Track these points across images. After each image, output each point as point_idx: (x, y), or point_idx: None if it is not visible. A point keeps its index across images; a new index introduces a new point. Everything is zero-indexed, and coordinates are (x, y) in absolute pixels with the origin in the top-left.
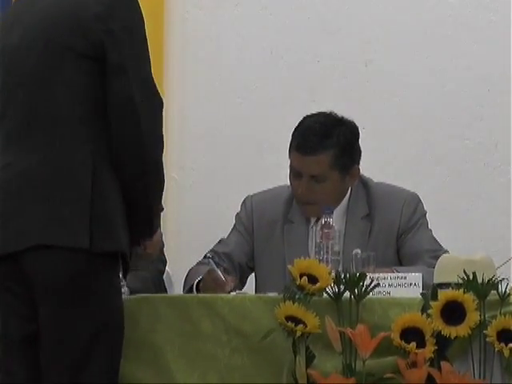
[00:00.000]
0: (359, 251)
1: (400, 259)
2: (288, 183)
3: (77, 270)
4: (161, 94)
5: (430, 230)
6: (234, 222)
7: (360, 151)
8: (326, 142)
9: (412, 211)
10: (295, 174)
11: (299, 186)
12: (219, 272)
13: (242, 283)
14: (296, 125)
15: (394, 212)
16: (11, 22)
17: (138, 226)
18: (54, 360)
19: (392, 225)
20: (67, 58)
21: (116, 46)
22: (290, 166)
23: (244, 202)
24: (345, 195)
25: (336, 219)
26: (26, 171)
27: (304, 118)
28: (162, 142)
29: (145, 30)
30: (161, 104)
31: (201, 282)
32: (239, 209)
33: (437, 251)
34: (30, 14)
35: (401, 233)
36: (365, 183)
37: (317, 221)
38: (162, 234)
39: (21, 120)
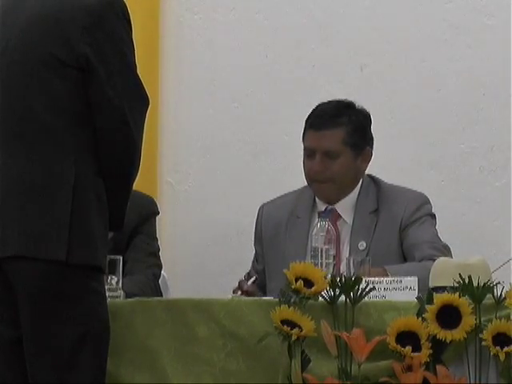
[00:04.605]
0: (364, 244)
1: (403, 252)
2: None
3: (51, 280)
4: (148, 94)
5: (436, 230)
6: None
7: (372, 137)
8: (339, 119)
9: (417, 207)
10: (309, 153)
11: (313, 165)
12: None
13: None
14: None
15: (399, 206)
16: (5, 21)
17: (115, 219)
18: (38, 365)
19: (396, 218)
20: (51, 67)
21: (101, 57)
22: (304, 149)
23: (257, 214)
24: (357, 182)
25: (344, 212)
26: (10, 178)
27: (317, 105)
28: (140, 152)
29: (131, 35)
30: (148, 106)
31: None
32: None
33: (436, 243)
34: (15, 20)
35: (403, 226)
36: (376, 181)
37: (319, 215)
38: None
39: (5, 126)
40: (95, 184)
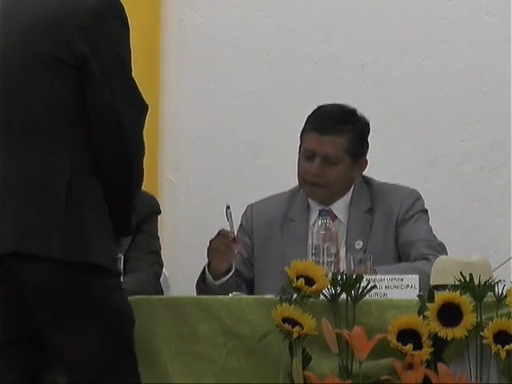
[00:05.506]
0: (361, 243)
1: (398, 249)
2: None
3: (60, 279)
4: (148, 92)
5: (430, 226)
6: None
7: (369, 146)
8: (344, 126)
9: (411, 204)
10: (308, 156)
11: (311, 167)
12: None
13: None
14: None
15: (394, 204)
16: (4, 21)
17: (119, 223)
18: (73, 366)
19: (391, 215)
20: (51, 67)
21: (99, 57)
22: (303, 149)
23: (245, 211)
24: (350, 188)
25: (340, 213)
26: (7, 176)
27: (320, 106)
28: (144, 150)
29: (129, 38)
30: (146, 111)
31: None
32: (239, 221)
33: (431, 241)
34: (15, 21)
35: (399, 223)
36: (367, 181)
37: (320, 213)
38: None
39: (4, 124)
40: (91, 183)
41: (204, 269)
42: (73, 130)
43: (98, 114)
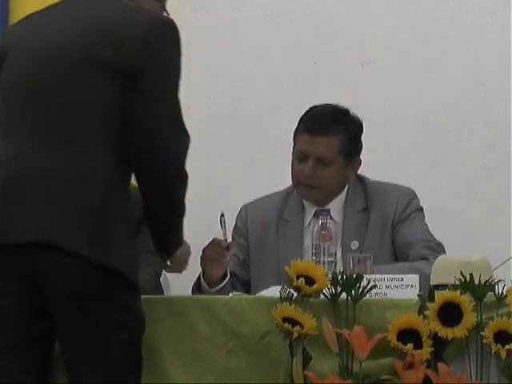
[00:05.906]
0: (357, 243)
1: (394, 249)
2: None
3: (80, 278)
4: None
5: (426, 224)
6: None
7: (362, 146)
8: (337, 126)
9: (406, 203)
10: (301, 157)
11: (304, 169)
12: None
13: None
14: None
15: (389, 204)
16: (50, 21)
17: (159, 244)
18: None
19: (387, 215)
20: (104, 70)
21: (153, 74)
22: (296, 151)
23: (239, 211)
24: (344, 188)
25: (335, 213)
26: (42, 168)
27: (313, 107)
28: (187, 179)
29: (181, 58)
30: (188, 142)
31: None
32: (234, 222)
33: (429, 241)
34: (73, 18)
35: (395, 223)
36: (361, 180)
37: (315, 214)
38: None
39: (46, 118)
40: (129, 191)
41: (199, 276)
42: (119, 135)
43: (139, 128)
